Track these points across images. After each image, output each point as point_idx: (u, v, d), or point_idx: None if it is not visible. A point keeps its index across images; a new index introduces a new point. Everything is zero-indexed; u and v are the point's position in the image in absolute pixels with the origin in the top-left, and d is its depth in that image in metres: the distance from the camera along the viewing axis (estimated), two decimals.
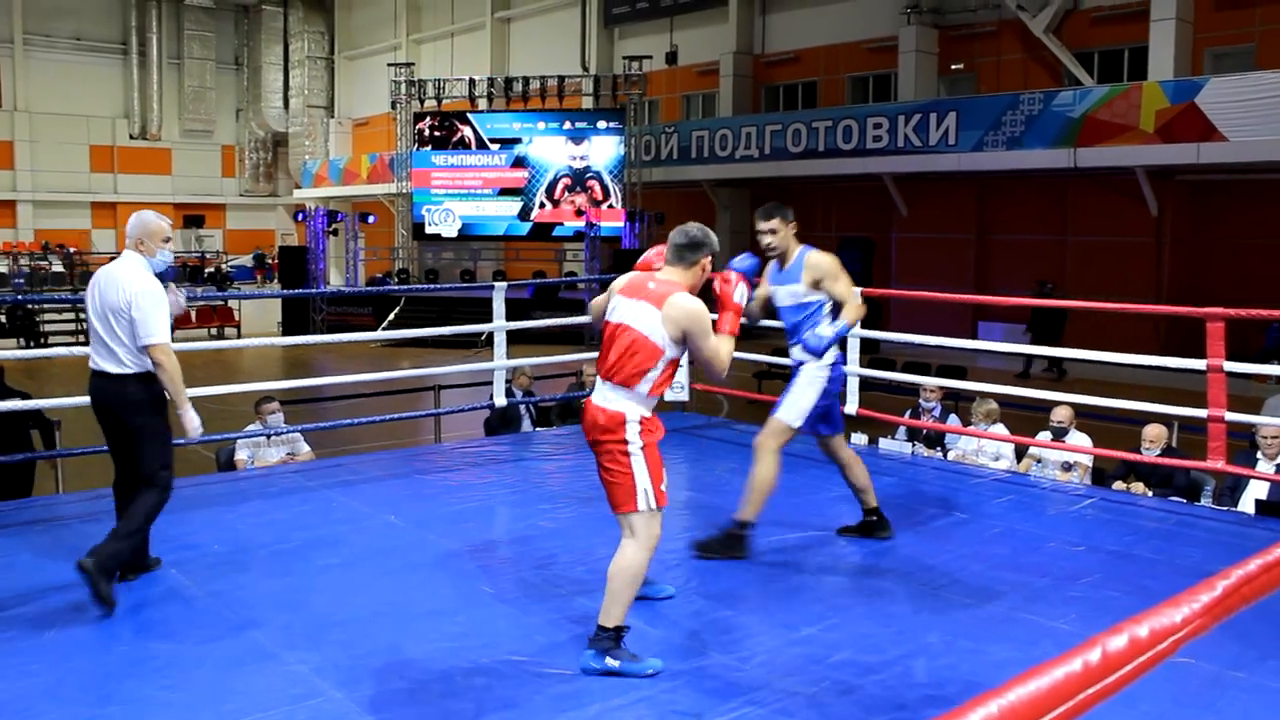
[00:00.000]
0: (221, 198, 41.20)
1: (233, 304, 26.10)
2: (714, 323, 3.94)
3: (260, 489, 6.45)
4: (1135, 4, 19.28)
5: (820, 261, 5.20)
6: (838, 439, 5.40)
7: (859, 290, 5.30)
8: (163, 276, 4.75)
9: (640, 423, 3.84)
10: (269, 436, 7.73)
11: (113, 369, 4.56)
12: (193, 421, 4.71)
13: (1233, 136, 16.32)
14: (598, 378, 3.97)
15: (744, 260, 4.57)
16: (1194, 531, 5.82)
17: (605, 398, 3.89)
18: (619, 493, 3.84)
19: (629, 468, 3.81)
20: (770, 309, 5.45)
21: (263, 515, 5.81)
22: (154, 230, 4.69)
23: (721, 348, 3.89)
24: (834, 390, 5.30)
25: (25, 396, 7.88)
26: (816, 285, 5.17)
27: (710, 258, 4.04)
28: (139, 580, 4.65)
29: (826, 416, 5.33)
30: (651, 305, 3.86)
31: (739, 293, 4.03)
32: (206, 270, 33.80)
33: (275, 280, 31.82)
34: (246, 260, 37.98)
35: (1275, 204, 17.91)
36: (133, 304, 4.49)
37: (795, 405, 5.18)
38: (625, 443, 3.81)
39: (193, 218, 39.07)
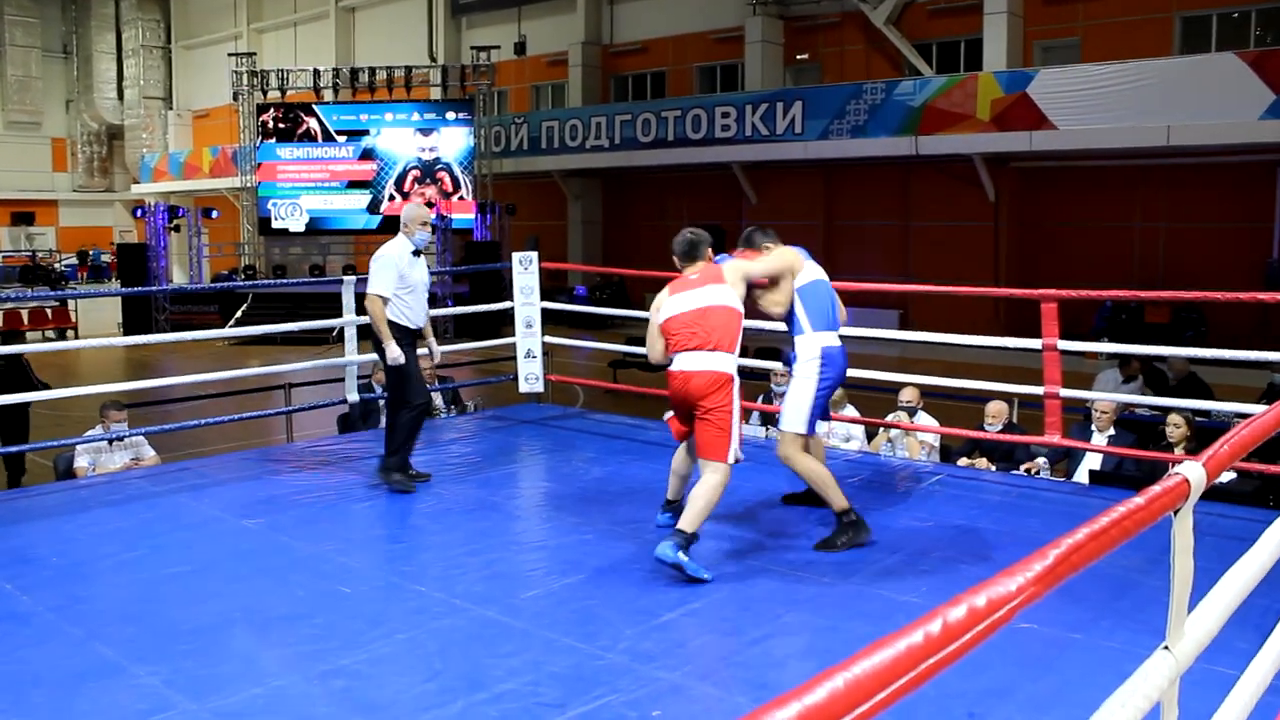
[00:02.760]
0: (53, 193, 39.21)
1: (69, 304, 24.97)
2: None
3: (102, 497, 6.18)
4: None
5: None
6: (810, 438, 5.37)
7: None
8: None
9: (740, 386, 4.73)
10: (110, 441, 7.43)
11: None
12: (393, 351, 5.98)
13: (1062, 125, 17.08)
14: (685, 351, 4.73)
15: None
16: (1034, 503, 6.08)
17: (707, 361, 4.68)
18: (715, 447, 4.67)
19: (728, 428, 4.65)
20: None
21: (106, 524, 5.58)
22: (415, 216, 6.31)
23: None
24: (824, 389, 5.22)
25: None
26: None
27: (706, 245, 4.98)
28: None
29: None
30: (715, 283, 4.79)
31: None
32: (42, 270, 32.13)
33: (113, 279, 30.49)
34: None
35: (1101, 190, 18.81)
36: (371, 266, 6.10)
37: (795, 411, 5.17)
38: (728, 403, 4.66)
39: (22, 215, 37.15)
